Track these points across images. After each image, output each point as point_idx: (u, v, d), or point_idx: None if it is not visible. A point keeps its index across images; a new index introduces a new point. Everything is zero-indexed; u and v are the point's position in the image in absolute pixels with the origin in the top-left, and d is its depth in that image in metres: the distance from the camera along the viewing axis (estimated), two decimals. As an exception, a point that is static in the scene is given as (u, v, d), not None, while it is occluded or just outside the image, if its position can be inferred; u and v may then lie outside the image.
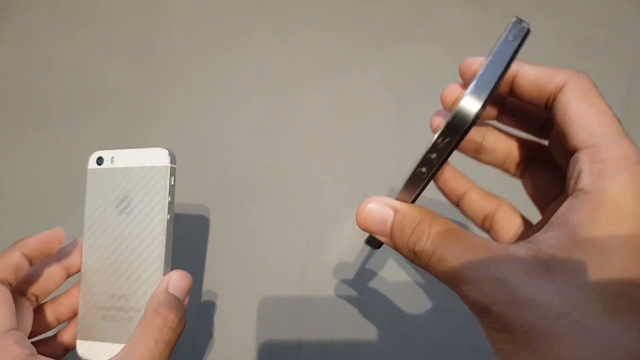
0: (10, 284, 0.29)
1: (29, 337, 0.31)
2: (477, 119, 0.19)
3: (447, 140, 0.19)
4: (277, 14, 0.56)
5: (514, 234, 0.27)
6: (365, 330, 0.44)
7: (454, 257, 0.20)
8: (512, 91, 0.23)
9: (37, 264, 0.31)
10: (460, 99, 0.19)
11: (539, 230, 0.20)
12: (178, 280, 0.31)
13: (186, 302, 0.32)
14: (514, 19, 0.23)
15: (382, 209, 0.23)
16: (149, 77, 0.54)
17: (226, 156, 0.51)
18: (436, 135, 0.20)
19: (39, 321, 0.33)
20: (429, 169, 0.21)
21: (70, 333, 0.34)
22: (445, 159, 0.20)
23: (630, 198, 0.18)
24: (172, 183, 0.33)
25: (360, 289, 0.46)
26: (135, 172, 0.34)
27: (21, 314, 0.30)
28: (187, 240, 0.47)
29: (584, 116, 0.20)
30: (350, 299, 0.46)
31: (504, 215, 0.27)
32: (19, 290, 0.31)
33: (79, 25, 0.57)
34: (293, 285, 0.46)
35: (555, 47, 0.53)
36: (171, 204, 0.33)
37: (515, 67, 0.23)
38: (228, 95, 0.53)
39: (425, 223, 0.21)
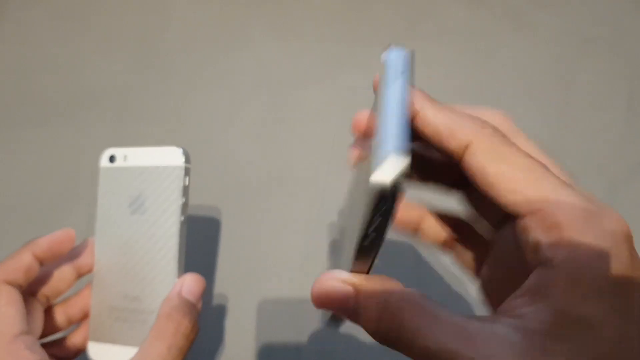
0: (21, 286, 0.29)
1: (40, 338, 0.30)
2: (398, 190, 0.16)
3: (379, 219, 0.17)
4: (278, 13, 0.56)
5: (476, 258, 0.26)
6: (365, 331, 0.43)
7: (434, 342, 0.17)
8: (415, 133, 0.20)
9: (47, 265, 0.31)
10: (370, 172, 0.16)
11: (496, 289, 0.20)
12: (191, 284, 0.31)
13: (199, 306, 0.31)
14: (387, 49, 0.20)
15: (340, 287, 0.20)
16: (149, 77, 0.54)
17: (225, 156, 0.50)
18: (367, 215, 0.17)
19: (50, 322, 0.32)
20: (374, 241, 0.18)
21: (81, 334, 0.33)
22: (388, 227, 0.18)
23: (602, 263, 0.16)
24: (187, 184, 0.32)
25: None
26: (149, 171, 0.33)
27: (32, 316, 0.30)
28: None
29: (509, 179, 0.18)
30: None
31: (463, 238, 0.26)
32: (30, 291, 0.31)
33: (78, 25, 0.57)
34: (293, 286, 0.45)
35: (558, 47, 0.52)
36: (185, 205, 0.32)
37: (416, 106, 0.20)
38: (228, 95, 0.52)
39: (391, 306, 0.19)
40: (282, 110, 0.51)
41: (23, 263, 0.29)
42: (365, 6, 0.55)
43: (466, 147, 0.19)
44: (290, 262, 0.46)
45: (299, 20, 0.55)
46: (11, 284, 0.28)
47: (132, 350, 0.28)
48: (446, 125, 0.19)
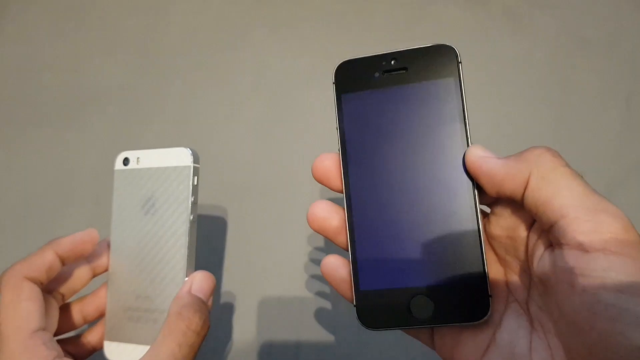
0: (42, 283, 0.29)
1: (55, 335, 0.31)
2: None
3: None
4: (277, 13, 0.56)
5: None
6: (365, 330, 0.43)
7: None
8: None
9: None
10: None
11: None
12: (201, 281, 0.31)
13: (210, 303, 0.31)
14: None
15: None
16: (149, 77, 0.54)
17: (225, 156, 0.50)
18: None
19: (66, 320, 0.33)
20: None
21: (97, 333, 0.34)
22: None
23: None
24: (195, 183, 0.33)
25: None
26: (160, 172, 0.33)
27: (48, 313, 0.30)
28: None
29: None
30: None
31: None
32: (46, 288, 0.31)
33: (79, 25, 0.57)
34: (293, 285, 0.45)
35: (555, 47, 0.51)
36: (194, 204, 0.32)
37: (476, 159, 0.24)
38: (227, 95, 0.53)
39: None
40: (282, 110, 0.51)
41: (45, 261, 0.29)
42: (364, 6, 0.55)
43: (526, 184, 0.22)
44: (289, 259, 0.46)
45: (298, 21, 0.55)
46: (32, 280, 0.29)
47: (147, 349, 0.28)
48: (508, 168, 0.23)
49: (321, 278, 0.45)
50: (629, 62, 0.49)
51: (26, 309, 0.28)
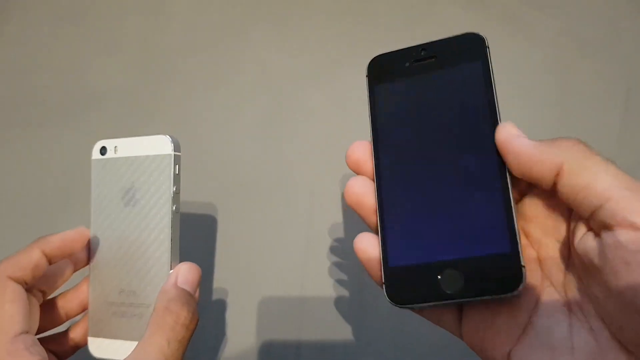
0: (26, 283, 0.28)
1: (37, 333, 0.30)
2: None
3: None
4: (278, 13, 0.55)
5: None
6: (365, 331, 0.43)
7: None
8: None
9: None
10: None
11: None
12: (187, 273, 0.30)
13: (197, 295, 0.31)
14: None
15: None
16: (149, 77, 0.53)
17: (226, 155, 0.49)
18: None
19: (48, 317, 0.32)
20: None
21: (81, 329, 0.33)
22: None
23: None
24: (177, 172, 0.31)
25: (360, 289, 0.44)
26: (139, 161, 0.32)
27: (29, 311, 0.29)
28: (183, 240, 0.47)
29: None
30: (350, 299, 0.45)
31: None
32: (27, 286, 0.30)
33: (79, 25, 0.56)
34: (293, 285, 0.45)
35: (555, 48, 0.51)
36: (176, 194, 0.31)
37: (508, 138, 0.24)
38: (228, 94, 0.52)
39: None
40: (281, 110, 0.51)
41: (31, 260, 0.28)
42: (364, 7, 0.54)
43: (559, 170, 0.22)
44: (289, 259, 0.46)
45: (299, 21, 0.54)
46: (17, 280, 0.27)
47: (133, 345, 0.27)
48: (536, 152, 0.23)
49: (320, 278, 0.45)
50: (628, 62, 0.50)
51: (9, 311, 0.26)
